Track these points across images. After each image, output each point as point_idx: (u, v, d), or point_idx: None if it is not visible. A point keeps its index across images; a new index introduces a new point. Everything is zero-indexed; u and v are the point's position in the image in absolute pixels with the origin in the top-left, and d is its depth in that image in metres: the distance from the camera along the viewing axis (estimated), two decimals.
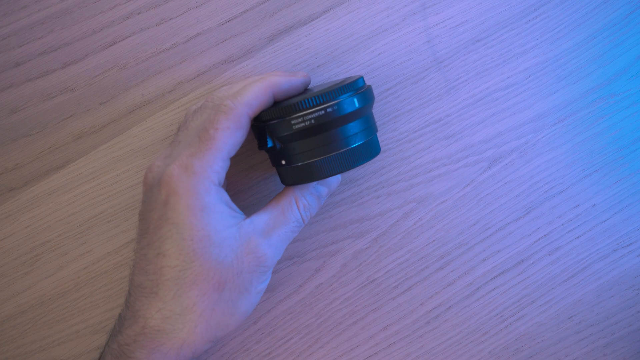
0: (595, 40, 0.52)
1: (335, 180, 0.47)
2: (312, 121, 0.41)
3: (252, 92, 0.42)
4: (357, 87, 0.43)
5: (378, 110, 0.51)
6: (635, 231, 0.51)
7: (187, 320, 0.41)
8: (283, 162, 0.43)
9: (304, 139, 0.42)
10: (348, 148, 0.42)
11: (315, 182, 0.45)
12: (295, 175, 0.43)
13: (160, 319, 0.41)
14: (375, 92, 0.52)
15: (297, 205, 0.45)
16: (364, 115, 0.43)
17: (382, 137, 0.51)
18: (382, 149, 0.51)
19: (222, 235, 0.41)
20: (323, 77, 0.52)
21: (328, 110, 0.41)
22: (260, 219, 0.43)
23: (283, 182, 0.45)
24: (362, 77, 0.44)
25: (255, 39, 0.52)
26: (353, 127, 0.42)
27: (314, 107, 0.41)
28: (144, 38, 0.52)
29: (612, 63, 0.52)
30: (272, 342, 0.50)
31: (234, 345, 0.50)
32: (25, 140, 0.51)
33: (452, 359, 0.50)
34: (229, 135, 0.42)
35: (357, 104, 0.42)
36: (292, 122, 0.41)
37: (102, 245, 0.50)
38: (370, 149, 0.43)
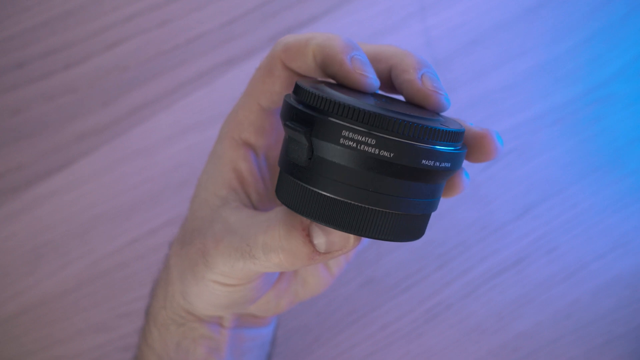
0: (593, 42, 0.53)
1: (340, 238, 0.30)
2: (390, 154, 0.26)
3: (293, 37, 0.32)
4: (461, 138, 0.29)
5: None
6: (633, 231, 0.51)
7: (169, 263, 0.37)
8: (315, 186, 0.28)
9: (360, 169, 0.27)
10: (407, 214, 0.27)
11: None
12: (311, 202, 0.28)
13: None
14: None
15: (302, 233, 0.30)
16: (443, 182, 0.29)
17: None
18: None
19: (205, 195, 0.35)
20: None
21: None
22: (239, 217, 0.33)
23: (285, 196, 0.29)
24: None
25: (256, 40, 0.52)
26: (429, 189, 0.28)
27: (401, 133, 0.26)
28: (145, 40, 0.52)
29: (610, 64, 0.52)
30: None
31: None
32: (28, 141, 0.51)
33: (450, 358, 0.50)
34: (258, 77, 0.34)
35: (458, 164, 0.28)
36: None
37: (104, 245, 0.50)
38: (418, 228, 0.29)
